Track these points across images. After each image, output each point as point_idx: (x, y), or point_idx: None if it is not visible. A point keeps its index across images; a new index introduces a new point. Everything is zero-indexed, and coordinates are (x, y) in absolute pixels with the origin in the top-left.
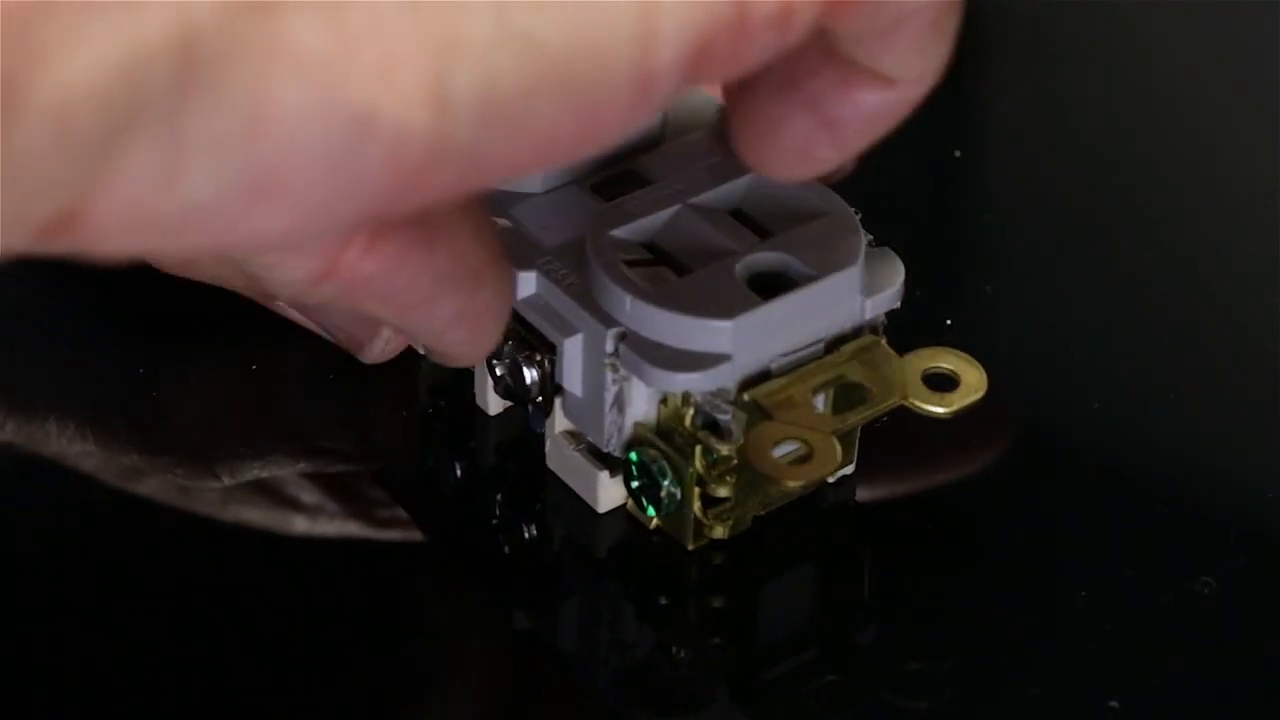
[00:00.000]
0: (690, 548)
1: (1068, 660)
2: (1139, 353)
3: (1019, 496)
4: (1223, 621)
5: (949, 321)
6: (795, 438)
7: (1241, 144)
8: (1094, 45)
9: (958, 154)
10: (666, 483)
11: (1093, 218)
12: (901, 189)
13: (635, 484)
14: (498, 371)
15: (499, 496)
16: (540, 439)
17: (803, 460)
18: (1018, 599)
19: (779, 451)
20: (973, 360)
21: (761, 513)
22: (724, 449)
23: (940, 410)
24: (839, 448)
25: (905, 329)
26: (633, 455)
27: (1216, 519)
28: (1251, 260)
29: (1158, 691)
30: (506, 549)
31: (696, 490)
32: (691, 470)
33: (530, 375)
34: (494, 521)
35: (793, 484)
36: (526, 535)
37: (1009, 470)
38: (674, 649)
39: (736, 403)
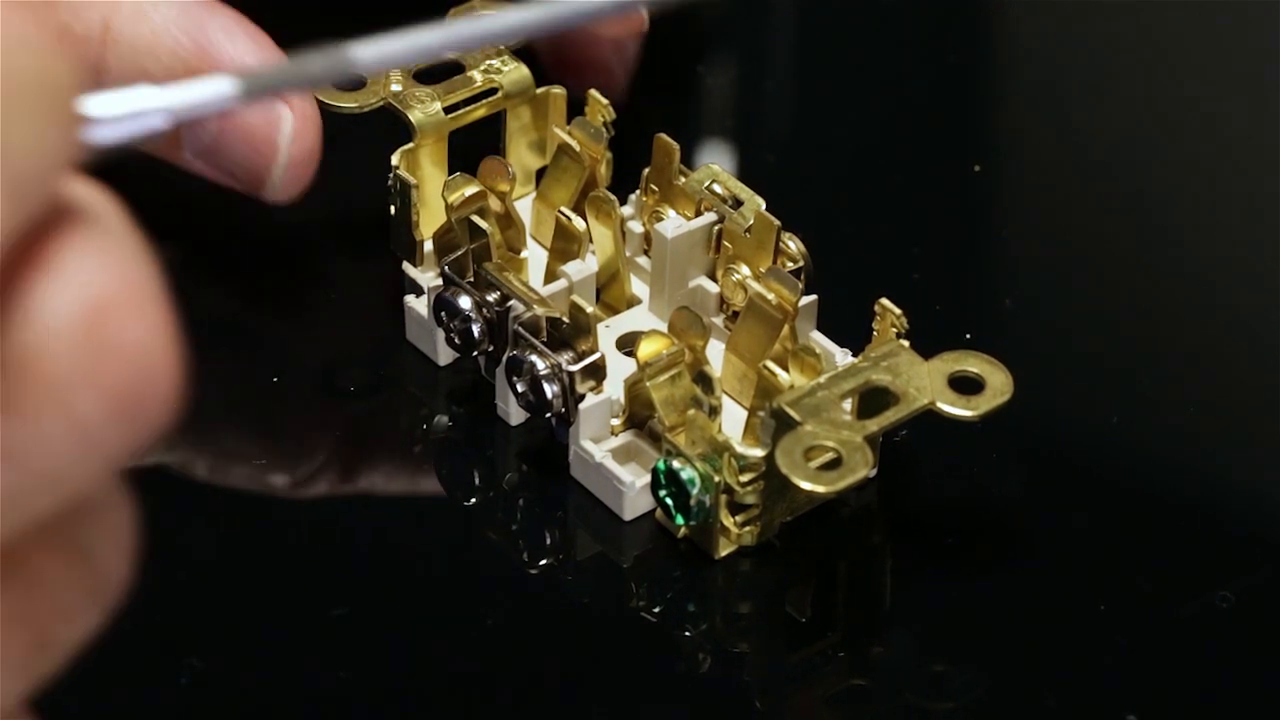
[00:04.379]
0: (718, 557)
1: (1085, 673)
2: (1158, 366)
3: (1037, 509)
4: (1240, 636)
5: (968, 335)
6: (826, 444)
7: (1265, 157)
8: (1114, 61)
9: (977, 168)
10: (695, 491)
11: (1112, 232)
12: (921, 203)
13: (663, 493)
14: (519, 388)
15: (521, 504)
16: (564, 449)
17: (831, 466)
18: (1035, 611)
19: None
20: (998, 363)
21: (788, 518)
22: (752, 456)
23: (968, 413)
24: (870, 454)
25: (925, 341)
26: (660, 464)
27: (1235, 533)
28: (1275, 275)
29: (1175, 705)
30: (528, 557)
31: (723, 499)
32: (719, 479)
33: (551, 389)
34: (514, 528)
35: (824, 491)
36: (549, 542)
37: (1028, 483)
38: (700, 655)
39: (765, 410)
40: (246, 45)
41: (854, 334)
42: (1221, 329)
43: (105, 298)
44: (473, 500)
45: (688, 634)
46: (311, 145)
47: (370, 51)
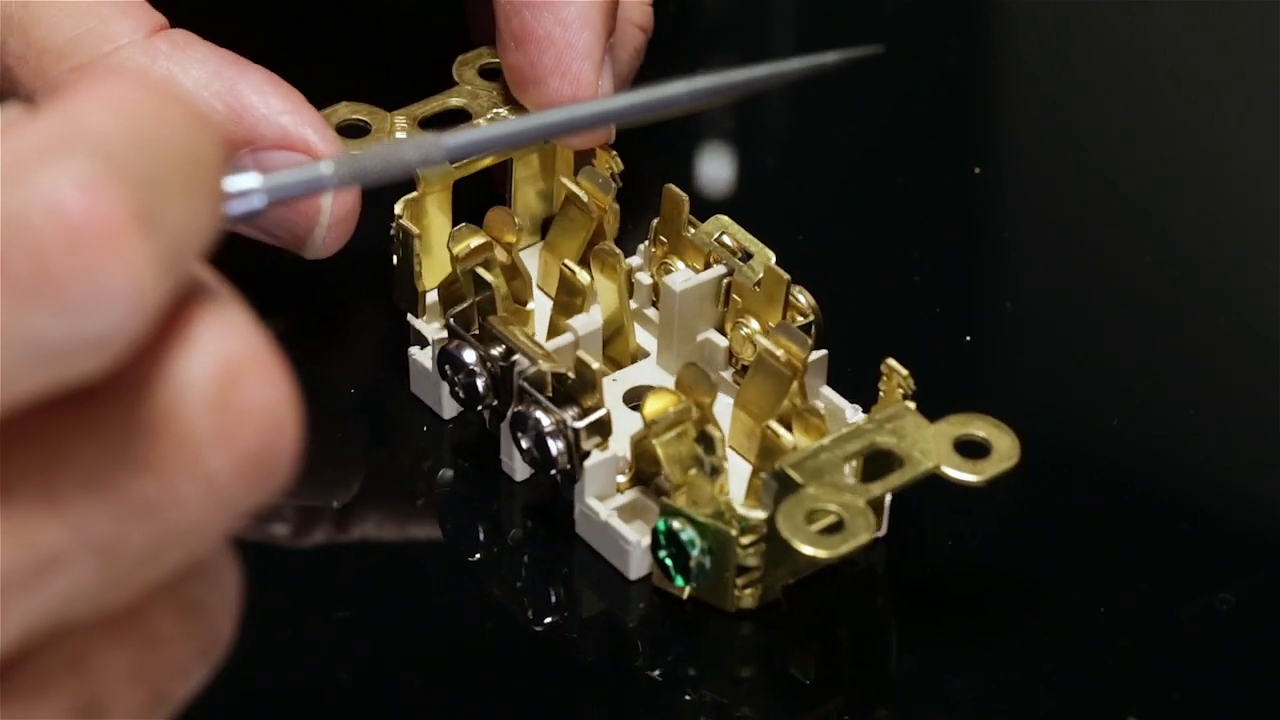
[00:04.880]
0: (732, 610)
1: (1086, 675)
2: (1158, 369)
3: (1037, 512)
4: (1240, 637)
5: (968, 337)
6: (828, 508)
7: (1265, 158)
8: (1114, 63)
9: (977, 170)
10: (696, 552)
11: (1112, 234)
12: (921, 205)
13: (662, 554)
14: (523, 444)
15: (525, 560)
16: (569, 505)
17: (834, 529)
18: (1036, 613)
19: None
20: (1004, 426)
21: (791, 581)
22: (753, 518)
23: (973, 478)
24: (873, 518)
25: (925, 346)
26: (660, 525)
27: (1235, 535)
28: (1276, 276)
29: (1175, 707)
30: (532, 615)
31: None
32: (730, 534)
33: (556, 446)
34: (519, 585)
35: (825, 556)
36: (553, 600)
37: (1026, 482)
38: (701, 719)
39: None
40: (279, 104)
41: (850, 336)
42: (1221, 331)
43: (236, 363)
44: (477, 555)
45: (688, 697)
46: (352, 203)
47: (460, 139)
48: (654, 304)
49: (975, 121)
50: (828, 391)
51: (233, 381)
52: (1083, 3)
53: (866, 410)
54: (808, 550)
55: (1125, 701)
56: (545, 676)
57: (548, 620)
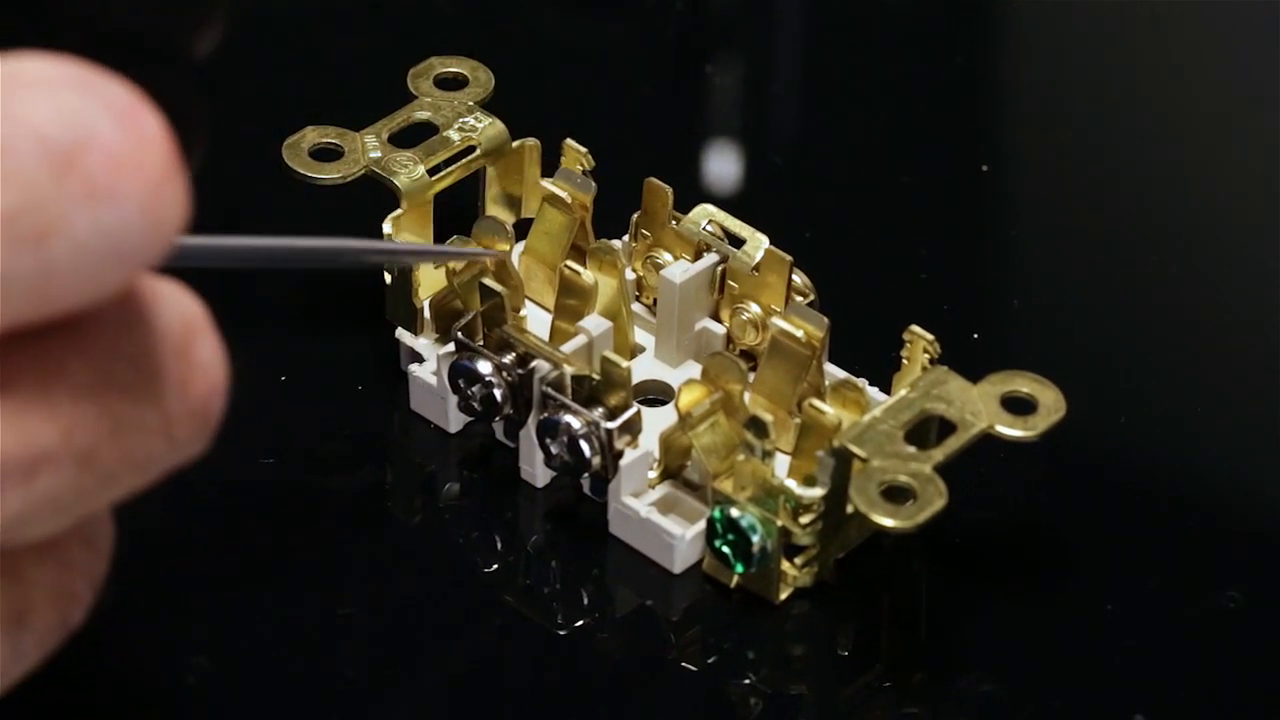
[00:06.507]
0: (778, 601)
1: (1093, 672)
2: (1166, 366)
3: (1046, 509)
4: (1248, 635)
5: (975, 335)
6: (899, 480)
7: (1270, 157)
8: (1121, 61)
9: (985, 168)
10: (757, 538)
11: (1119, 232)
12: (929, 203)
13: (719, 542)
14: (553, 450)
15: (554, 565)
16: (597, 507)
17: (893, 499)
18: (1042, 611)
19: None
20: (1046, 381)
21: (841, 555)
22: (812, 497)
23: (1027, 433)
24: (943, 485)
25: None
26: (717, 513)
27: (1243, 533)
28: None
29: (1183, 705)
30: (565, 618)
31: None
32: (780, 523)
33: (589, 449)
34: (547, 591)
35: (906, 526)
36: (587, 602)
37: (1035, 482)
38: (752, 700)
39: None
40: None
41: (857, 333)
42: (1229, 328)
43: (192, 322)
44: (496, 565)
45: (747, 681)
46: None
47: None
48: (638, 298)
49: (983, 119)
50: (831, 368)
51: (190, 336)
52: (1089, 2)
53: (873, 384)
54: (888, 523)
55: (1133, 700)
56: (590, 676)
57: (587, 619)
